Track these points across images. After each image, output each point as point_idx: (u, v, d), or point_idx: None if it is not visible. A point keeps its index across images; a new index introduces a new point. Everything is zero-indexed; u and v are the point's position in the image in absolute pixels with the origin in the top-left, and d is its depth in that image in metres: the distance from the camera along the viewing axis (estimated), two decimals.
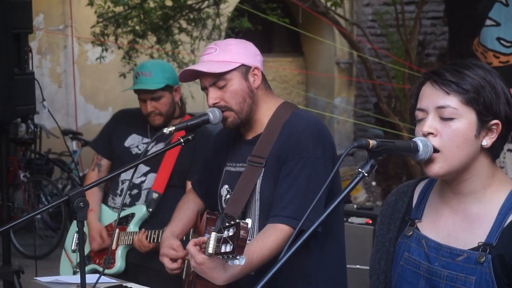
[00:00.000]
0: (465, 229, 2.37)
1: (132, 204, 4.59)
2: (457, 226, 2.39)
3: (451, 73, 2.34)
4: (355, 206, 6.38)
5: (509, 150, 6.87)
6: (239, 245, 2.70)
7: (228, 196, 3.36)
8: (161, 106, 4.57)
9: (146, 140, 4.64)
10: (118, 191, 4.69)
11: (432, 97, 2.35)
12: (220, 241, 2.76)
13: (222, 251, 2.74)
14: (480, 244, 2.31)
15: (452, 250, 2.36)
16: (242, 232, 2.70)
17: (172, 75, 4.62)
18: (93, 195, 4.68)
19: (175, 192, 4.39)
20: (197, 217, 3.63)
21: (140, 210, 4.53)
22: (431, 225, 2.45)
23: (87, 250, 4.69)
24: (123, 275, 4.36)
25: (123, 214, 4.56)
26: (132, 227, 4.49)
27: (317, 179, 3.14)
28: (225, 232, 2.75)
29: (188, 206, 3.64)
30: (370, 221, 6.03)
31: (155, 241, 4.24)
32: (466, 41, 7.16)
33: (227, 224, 2.78)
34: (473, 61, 2.40)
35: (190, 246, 3.06)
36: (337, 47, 14.33)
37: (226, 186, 3.40)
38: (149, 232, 4.31)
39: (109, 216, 4.68)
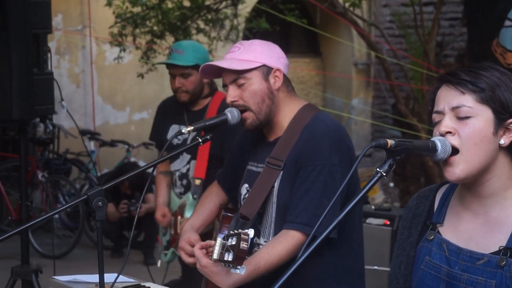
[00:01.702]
0: (486, 233, 2.35)
1: (185, 193, 4.92)
2: (478, 230, 2.37)
3: (466, 73, 2.33)
4: (373, 207, 6.36)
5: None
6: (238, 256, 2.72)
7: (247, 195, 3.37)
8: (188, 83, 4.83)
9: (183, 127, 4.70)
10: (173, 181, 5.05)
11: (447, 98, 2.34)
12: (224, 248, 2.79)
13: (225, 258, 2.77)
14: (501, 248, 2.30)
15: (473, 254, 2.34)
16: (242, 244, 2.71)
17: (203, 56, 4.89)
18: (161, 182, 5.14)
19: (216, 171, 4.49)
20: (219, 211, 3.64)
21: (188, 198, 4.83)
22: (452, 229, 2.43)
23: (168, 235, 5.06)
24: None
25: (181, 201, 4.93)
26: (187, 214, 4.77)
27: (334, 186, 3.13)
28: (229, 240, 2.77)
29: (211, 199, 3.65)
30: (388, 222, 6.02)
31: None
32: (485, 42, 7.13)
33: (231, 232, 2.80)
34: (489, 63, 2.39)
35: (196, 248, 3.11)
36: (355, 48, 14.29)
37: (246, 185, 3.41)
38: None
39: (175, 202, 5.03)
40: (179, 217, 4.88)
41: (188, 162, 4.90)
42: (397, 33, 13.54)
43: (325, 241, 2.85)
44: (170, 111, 5.10)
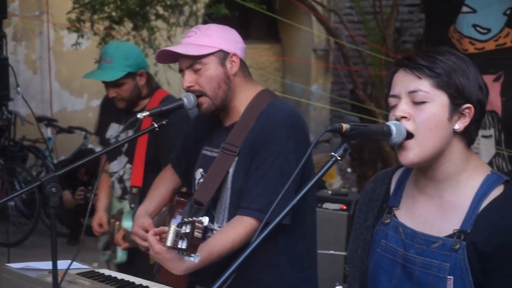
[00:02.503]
0: (440, 216, 2.36)
1: (123, 196, 4.63)
2: (432, 213, 2.38)
3: (423, 58, 2.34)
4: (329, 192, 6.39)
5: (483, 136, 6.90)
6: (192, 244, 2.72)
7: (201, 180, 3.35)
8: (123, 92, 4.52)
9: (122, 127, 4.62)
10: (111, 184, 4.74)
11: (404, 82, 2.34)
12: (178, 236, 2.78)
13: (178, 246, 2.76)
14: (455, 231, 2.31)
15: (428, 237, 2.36)
16: (196, 232, 2.71)
17: (136, 61, 4.52)
18: (104, 183, 4.76)
19: (154, 177, 4.38)
20: (173, 195, 3.62)
21: (126, 206, 4.53)
22: (408, 212, 2.45)
23: (107, 237, 4.75)
24: (127, 266, 4.42)
25: (119, 207, 4.60)
26: (125, 223, 4.47)
27: (289, 173, 3.11)
28: (183, 228, 2.77)
29: (164, 184, 3.63)
30: (345, 207, 6.05)
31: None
32: (442, 28, 7.17)
33: (185, 220, 2.79)
34: (446, 48, 2.40)
35: (150, 235, 3.09)
36: (314, 34, 14.30)
37: (201, 169, 3.39)
38: (127, 232, 4.30)
39: (115, 206, 4.72)
40: (117, 223, 4.55)
41: (125, 166, 4.62)
42: (356, 19, 13.58)
43: (279, 227, 2.87)
44: (111, 109, 4.76)
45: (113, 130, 4.71)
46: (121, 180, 4.63)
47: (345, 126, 2.22)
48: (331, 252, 5.75)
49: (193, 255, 2.74)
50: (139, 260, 4.35)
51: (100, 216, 4.68)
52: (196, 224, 2.72)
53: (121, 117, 4.67)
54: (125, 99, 4.53)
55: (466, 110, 2.33)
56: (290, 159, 3.15)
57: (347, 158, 11.25)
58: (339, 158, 2.23)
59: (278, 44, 15.22)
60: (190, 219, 2.76)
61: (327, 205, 6.11)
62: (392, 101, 2.37)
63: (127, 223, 4.44)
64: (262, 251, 3.15)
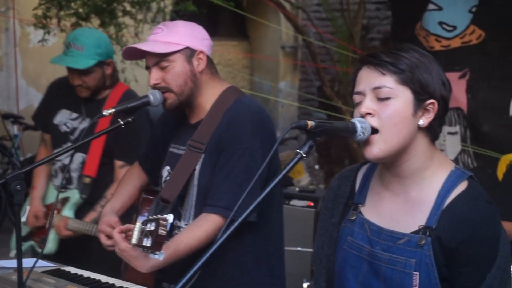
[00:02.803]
0: (406, 213, 2.38)
1: (65, 186, 4.49)
2: (398, 210, 2.40)
3: (387, 54, 2.36)
4: (297, 189, 6.40)
5: (449, 133, 6.95)
6: (156, 242, 2.71)
7: (168, 177, 3.34)
8: (90, 80, 4.41)
9: (74, 115, 4.51)
10: (53, 172, 4.61)
11: (368, 79, 2.36)
12: (143, 233, 2.77)
13: (143, 244, 2.76)
14: (420, 227, 2.33)
15: (393, 234, 2.37)
16: (160, 230, 2.70)
17: (106, 50, 4.45)
18: (41, 172, 4.62)
19: (109, 170, 4.34)
20: (140, 193, 3.60)
21: (74, 195, 4.43)
22: (373, 209, 2.46)
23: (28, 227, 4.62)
24: (59, 257, 4.27)
25: (62, 196, 4.46)
26: (66, 211, 4.39)
27: (255, 170, 3.11)
28: (148, 225, 2.76)
29: (131, 181, 3.62)
30: (312, 204, 6.06)
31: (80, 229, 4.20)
32: (408, 25, 7.22)
33: (150, 217, 2.78)
34: (409, 45, 2.42)
35: (115, 232, 3.08)
36: (282, 31, 14.32)
37: (168, 167, 3.38)
38: (71, 220, 4.25)
39: (52, 195, 4.60)
40: (55, 212, 4.36)
41: (72, 155, 4.46)
42: (324, 17, 13.61)
43: (245, 224, 2.86)
44: (63, 93, 4.60)
45: (63, 116, 4.56)
46: (65, 168, 4.49)
47: (310, 123, 2.22)
48: (299, 249, 5.76)
49: (157, 252, 2.73)
50: (72, 250, 4.33)
51: (36, 206, 4.57)
52: (161, 221, 2.71)
53: (74, 104, 4.54)
54: (90, 88, 4.43)
55: (430, 106, 2.35)
56: (256, 156, 3.15)
57: (314, 155, 11.29)
58: (304, 155, 2.23)
59: (246, 41, 15.21)
60: (154, 216, 2.76)
61: (294, 202, 6.11)
62: (356, 98, 2.38)
63: (68, 212, 4.36)
64: (228, 249, 3.16)
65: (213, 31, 14.43)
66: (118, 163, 4.31)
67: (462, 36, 6.81)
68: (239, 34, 15.16)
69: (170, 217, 2.74)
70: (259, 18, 12.18)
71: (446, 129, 6.95)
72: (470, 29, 6.75)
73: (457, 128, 6.90)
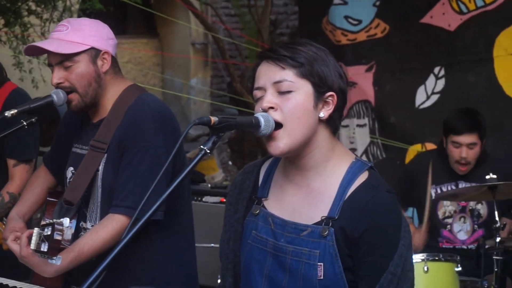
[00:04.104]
0: (309, 205, 2.41)
1: None
2: (301, 202, 2.43)
3: (285, 49, 2.39)
4: (209, 185, 6.42)
5: (358, 125, 7.05)
6: (52, 247, 2.69)
7: (72, 178, 3.30)
8: None
9: None
10: None
11: (268, 74, 2.38)
12: (40, 238, 2.74)
13: (41, 249, 2.72)
14: (323, 218, 2.36)
15: (297, 226, 2.40)
16: (56, 234, 2.68)
17: None
18: None
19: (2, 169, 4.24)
20: (47, 194, 3.54)
21: None
22: (277, 202, 2.48)
23: None
24: None
25: None
26: None
27: (159, 168, 3.09)
28: (45, 230, 2.73)
29: (38, 184, 3.55)
30: (224, 200, 6.07)
31: None
32: (315, 20, 7.29)
33: (47, 222, 2.75)
34: (305, 40, 2.45)
35: (10, 241, 3.04)
36: (192, 28, 14.29)
37: (71, 168, 3.34)
38: None
39: None
40: None
41: None
42: (232, 13, 13.65)
43: (152, 223, 2.85)
44: None
45: None
46: None
47: (213, 119, 2.23)
48: (212, 245, 5.76)
49: (54, 258, 2.69)
50: None
51: None
52: (56, 226, 2.67)
53: None
54: None
55: (330, 98, 2.39)
56: (159, 153, 3.13)
57: (227, 151, 11.31)
58: (208, 151, 2.24)
59: (156, 38, 15.11)
60: (51, 221, 2.73)
61: (207, 198, 6.12)
62: (257, 93, 2.40)
63: None
64: (137, 248, 3.14)
65: (122, 29, 14.29)
66: (11, 161, 4.20)
67: (368, 29, 6.91)
68: (148, 32, 15.06)
69: (66, 221, 2.71)
70: (168, 15, 12.12)
71: (355, 121, 7.05)
72: (375, 22, 6.85)
73: (365, 121, 7.00)
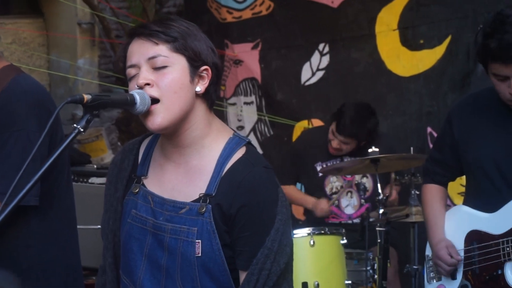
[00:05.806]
0: (187, 182, 2.40)
1: None
2: (180, 180, 2.42)
3: (157, 24, 2.38)
4: (95, 166, 6.35)
5: (245, 103, 7.08)
6: None
7: None
8: None
9: None
10: None
11: (141, 50, 2.36)
12: None
13: None
14: (201, 195, 2.36)
15: (176, 204, 2.39)
16: None
17: None
18: None
19: None
20: None
21: None
22: (156, 181, 2.47)
23: None
24: None
25: None
26: None
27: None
28: None
29: None
30: None
31: None
32: None
33: None
34: (174, 16, 2.46)
35: None
36: (78, 8, 14.04)
37: None
38: None
39: None
40: None
41: None
42: None
43: (30, 208, 2.78)
44: None
45: None
46: None
47: (86, 96, 2.20)
48: (99, 227, 5.70)
49: None
50: None
51: None
52: None
53: None
54: None
55: (204, 72, 2.39)
56: (32, 138, 3.02)
57: (116, 132, 11.19)
58: (82, 130, 2.21)
59: (41, 18, 14.79)
60: None
61: (93, 179, 6.06)
62: (131, 71, 2.38)
63: None
64: (15, 234, 3.06)
65: (5, 9, 13.91)
66: None
67: (253, 7, 6.93)
68: (32, 11, 14.70)
69: None
70: None
71: (242, 99, 7.07)
72: (260, 0, 6.88)
73: (252, 98, 7.03)
